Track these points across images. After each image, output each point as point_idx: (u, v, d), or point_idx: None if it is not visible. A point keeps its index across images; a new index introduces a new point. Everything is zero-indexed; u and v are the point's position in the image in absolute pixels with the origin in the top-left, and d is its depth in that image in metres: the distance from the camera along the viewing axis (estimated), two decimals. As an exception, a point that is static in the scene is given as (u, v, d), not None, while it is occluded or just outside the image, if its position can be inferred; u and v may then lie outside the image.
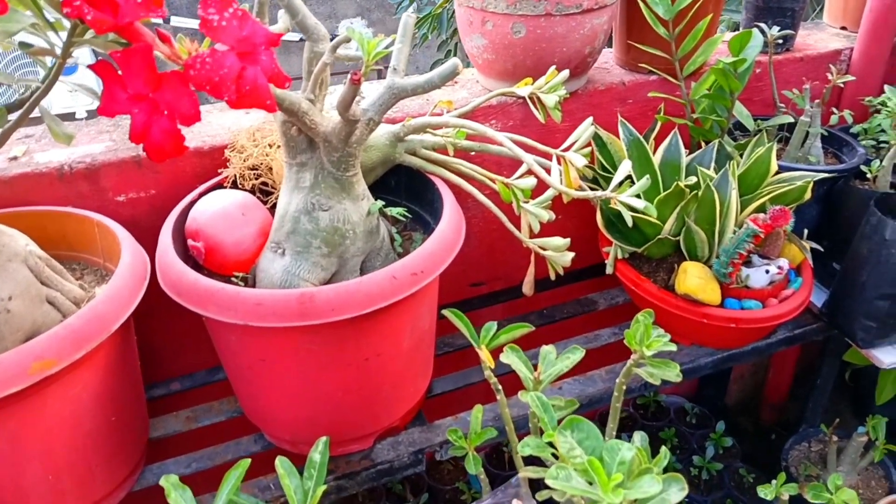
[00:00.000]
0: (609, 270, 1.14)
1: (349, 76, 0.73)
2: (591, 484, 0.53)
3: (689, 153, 1.17)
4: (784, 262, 1.05)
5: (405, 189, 1.05)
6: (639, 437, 0.71)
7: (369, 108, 0.83)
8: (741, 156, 1.16)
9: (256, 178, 1.00)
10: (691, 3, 1.12)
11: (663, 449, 0.66)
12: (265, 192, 1.01)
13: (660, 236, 1.06)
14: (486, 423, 0.99)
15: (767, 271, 1.04)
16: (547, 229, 0.95)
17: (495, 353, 0.76)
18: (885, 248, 1.05)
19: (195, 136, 1.06)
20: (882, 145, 1.30)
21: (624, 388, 0.72)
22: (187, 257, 0.91)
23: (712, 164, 1.12)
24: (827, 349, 1.39)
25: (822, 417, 1.49)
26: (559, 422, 0.58)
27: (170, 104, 0.59)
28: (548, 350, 0.74)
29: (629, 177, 0.92)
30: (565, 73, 0.98)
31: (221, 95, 0.59)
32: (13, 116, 0.69)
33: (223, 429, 1.03)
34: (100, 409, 0.81)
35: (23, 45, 0.67)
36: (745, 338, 1.12)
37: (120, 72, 0.58)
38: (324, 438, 0.74)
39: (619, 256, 1.13)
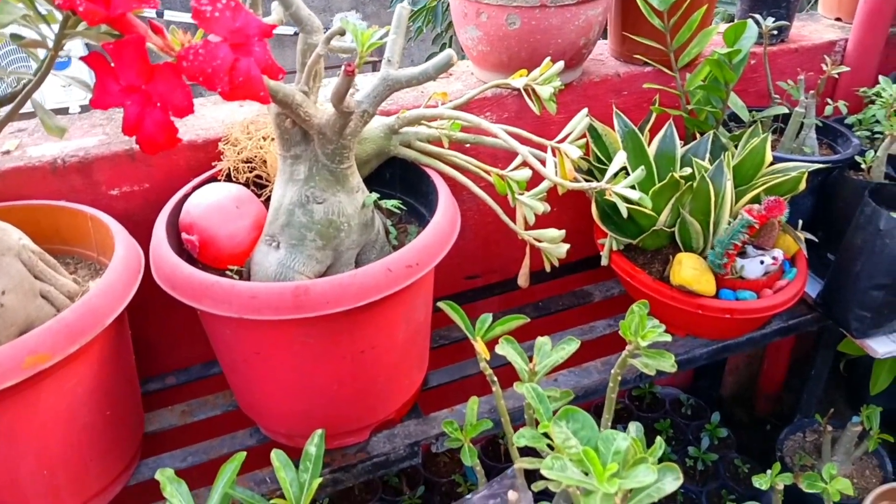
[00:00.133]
0: (604, 262, 1.15)
1: (343, 68, 0.73)
2: (586, 474, 0.53)
3: (684, 144, 1.17)
4: (779, 253, 1.06)
5: (400, 181, 1.05)
6: (634, 427, 0.71)
7: (364, 100, 0.83)
8: (736, 147, 1.16)
9: (251, 171, 0.99)
10: (686, -7, 1.12)
11: (658, 439, 0.66)
12: (259, 185, 1.00)
13: (655, 228, 1.06)
14: (482, 414, 1.00)
15: (762, 262, 1.04)
16: (542, 221, 0.95)
17: (491, 345, 0.76)
18: (880, 238, 1.05)
19: (189, 129, 1.06)
20: (876, 136, 1.30)
21: (619, 378, 0.72)
22: (181, 251, 0.90)
23: (707, 156, 1.12)
24: (821, 339, 1.40)
25: (817, 408, 1.49)
26: (554, 413, 0.59)
27: (163, 96, 0.59)
28: (543, 341, 0.74)
29: (624, 168, 0.92)
30: (560, 64, 0.98)
31: (214, 87, 0.59)
32: (5, 110, 0.68)
33: (219, 423, 1.03)
34: (95, 403, 0.81)
35: (14, 37, 0.66)
36: (740, 328, 1.12)
37: (112, 64, 0.58)
38: (319, 431, 0.74)
39: (614, 248, 1.13)
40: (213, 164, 1.01)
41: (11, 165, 0.96)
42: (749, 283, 1.05)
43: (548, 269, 1.00)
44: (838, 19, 1.56)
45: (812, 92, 1.24)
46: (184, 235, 0.91)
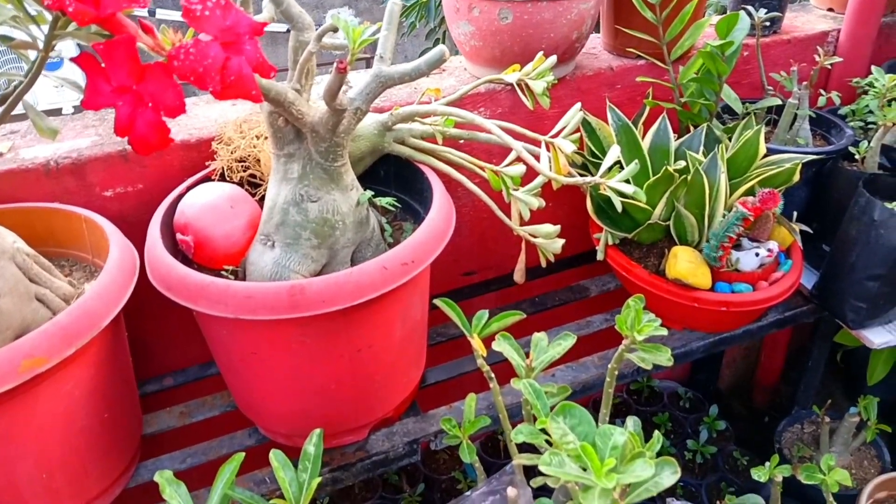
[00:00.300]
0: (600, 257, 1.15)
1: (335, 65, 0.72)
2: (584, 469, 0.53)
3: (678, 137, 1.17)
4: (774, 245, 1.06)
5: (394, 178, 1.05)
6: (631, 421, 0.71)
7: (356, 97, 0.83)
8: (730, 139, 1.16)
9: (244, 171, 0.99)
10: (678, -14, 1.12)
11: (656, 433, 0.66)
12: (253, 185, 1.00)
13: (650, 221, 1.07)
14: (480, 411, 1.00)
15: (757, 254, 1.04)
16: (537, 216, 0.95)
17: (488, 341, 0.76)
18: (874, 229, 1.05)
19: (182, 129, 1.05)
20: (870, 126, 1.30)
21: (616, 373, 0.72)
22: (176, 251, 0.90)
23: (701, 148, 1.12)
24: (818, 331, 1.40)
25: (815, 399, 1.50)
26: (552, 408, 0.59)
27: (154, 96, 0.59)
28: (539, 337, 0.74)
29: (618, 162, 0.92)
30: (553, 59, 0.98)
31: (206, 86, 0.58)
32: (-4, 112, 0.68)
33: (217, 423, 1.03)
34: (92, 406, 0.81)
35: (3, 38, 0.66)
36: (736, 321, 1.12)
37: (103, 64, 0.57)
38: (318, 430, 0.74)
39: (610, 242, 1.13)
40: (207, 163, 1.01)
41: (4, 168, 0.96)
42: (745, 275, 1.05)
43: (544, 264, 1.00)
44: (831, 9, 1.56)
45: (805, 83, 1.24)
46: (178, 236, 0.91)
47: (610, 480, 0.51)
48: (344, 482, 0.96)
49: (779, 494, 1.05)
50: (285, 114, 0.80)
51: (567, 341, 0.73)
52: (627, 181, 0.87)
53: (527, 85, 0.97)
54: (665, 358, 0.70)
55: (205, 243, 0.89)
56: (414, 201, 1.02)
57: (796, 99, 1.22)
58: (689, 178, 1.04)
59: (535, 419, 0.63)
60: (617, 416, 1.68)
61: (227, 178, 0.98)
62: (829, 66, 1.36)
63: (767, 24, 1.34)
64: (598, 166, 0.89)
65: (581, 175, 0.91)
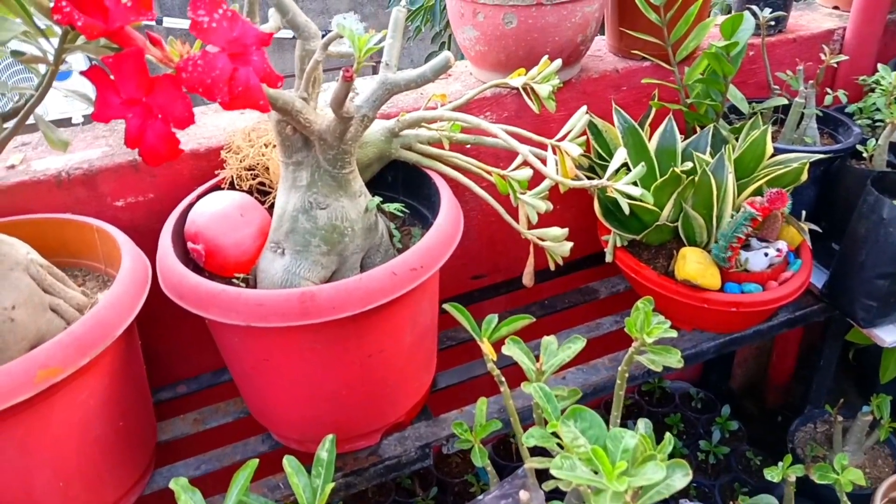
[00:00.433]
0: (608, 259, 1.15)
1: (342, 73, 0.73)
2: (595, 473, 0.53)
3: (685, 138, 1.17)
4: (783, 245, 1.06)
5: (402, 184, 1.05)
6: (643, 424, 0.71)
7: (363, 104, 0.83)
8: (737, 139, 1.16)
9: (253, 179, 1.00)
10: (682, -13, 1.12)
11: (668, 435, 0.66)
12: (263, 192, 1.01)
13: (658, 223, 1.07)
14: (492, 415, 1.00)
15: (766, 254, 1.04)
16: (545, 220, 0.95)
17: (498, 344, 0.76)
18: (883, 227, 1.05)
19: (191, 139, 1.06)
20: (877, 124, 1.30)
21: (626, 375, 0.73)
22: (188, 260, 0.91)
23: (708, 149, 1.12)
24: (829, 330, 1.40)
25: (827, 398, 1.49)
26: (563, 412, 0.59)
27: (163, 108, 0.59)
28: (549, 341, 0.74)
29: (625, 164, 0.92)
30: (558, 62, 0.98)
31: (214, 97, 0.59)
32: (9, 125, 0.69)
33: (231, 430, 1.03)
34: (107, 414, 0.82)
35: (15, 53, 0.67)
36: (747, 321, 1.12)
37: (112, 77, 0.58)
38: (330, 436, 0.75)
39: (618, 244, 1.13)
40: (216, 172, 1.02)
41: (17, 180, 0.97)
42: (754, 275, 1.05)
43: (552, 267, 1.00)
44: (836, 8, 1.55)
45: (811, 82, 1.24)
46: (189, 245, 0.92)
47: (621, 483, 0.51)
48: (357, 487, 0.96)
49: (792, 494, 1.05)
50: (293, 122, 0.81)
51: (577, 344, 0.74)
52: (635, 183, 0.87)
53: (532, 89, 0.98)
54: (675, 360, 0.70)
55: (216, 252, 0.90)
56: (422, 206, 1.03)
57: (803, 98, 1.22)
58: (696, 179, 1.04)
59: (546, 423, 0.63)
60: (629, 418, 1.68)
61: (237, 187, 0.99)
62: (836, 65, 1.36)
63: (772, 23, 1.34)
64: (605, 169, 0.89)
65: (588, 178, 0.91)
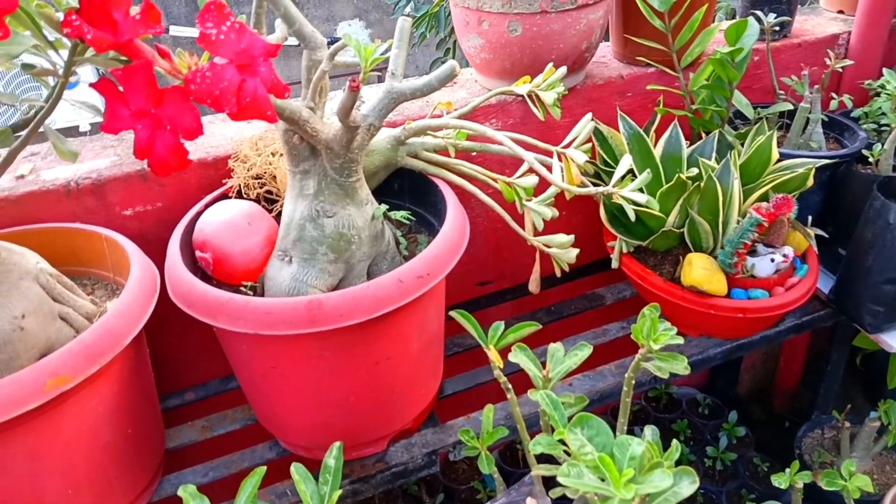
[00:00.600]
0: (615, 265, 1.15)
1: (348, 83, 0.73)
2: (602, 480, 0.53)
3: (690, 144, 1.17)
4: (789, 250, 1.06)
5: (408, 192, 1.05)
6: (650, 431, 0.71)
7: (369, 113, 0.84)
8: (742, 145, 1.16)
9: (261, 187, 1.00)
10: (686, -6, 1.13)
11: (675, 442, 0.66)
12: (270, 201, 1.01)
13: (664, 229, 1.07)
14: (498, 421, 1.00)
15: (773, 260, 1.04)
16: (551, 226, 0.95)
17: (504, 351, 0.76)
18: (890, 231, 1.05)
19: (199, 148, 1.07)
20: (883, 128, 1.30)
21: (633, 382, 0.73)
22: (196, 268, 0.91)
23: (713, 155, 1.13)
24: (836, 335, 1.39)
25: (835, 404, 1.48)
26: (570, 419, 0.59)
27: (172, 119, 0.60)
28: (556, 348, 0.75)
29: (631, 171, 0.92)
30: (563, 69, 0.99)
31: (222, 108, 0.60)
32: (19, 136, 0.70)
33: (238, 437, 1.04)
34: (116, 422, 0.82)
35: (26, 66, 0.68)
36: (753, 327, 1.12)
37: (122, 89, 0.59)
38: (338, 443, 0.75)
39: (625, 250, 1.13)
40: (224, 181, 1.03)
41: (26, 190, 0.98)
42: (760, 281, 1.05)
43: (558, 273, 1.01)
44: (841, 12, 1.55)
45: (817, 87, 1.24)
46: (198, 253, 0.92)
47: (629, 491, 0.51)
48: (364, 494, 0.97)
49: (800, 501, 1.05)
50: (300, 131, 0.81)
51: (583, 351, 0.74)
52: (640, 190, 0.87)
53: (537, 96, 0.98)
54: (682, 366, 0.70)
55: (223, 260, 0.90)
56: (428, 214, 1.03)
57: (808, 103, 1.22)
58: (702, 184, 1.04)
59: (553, 430, 0.63)
60: (635, 424, 1.68)
61: (244, 196, 1.00)
62: (841, 69, 1.36)
63: (777, 28, 1.35)
64: (610, 175, 0.89)
65: (594, 184, 0.91)
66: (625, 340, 1.12)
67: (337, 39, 0.76)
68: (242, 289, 0.91)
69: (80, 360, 0.74)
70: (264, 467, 0.71)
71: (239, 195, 1.00)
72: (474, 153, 1.05)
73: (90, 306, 0.87)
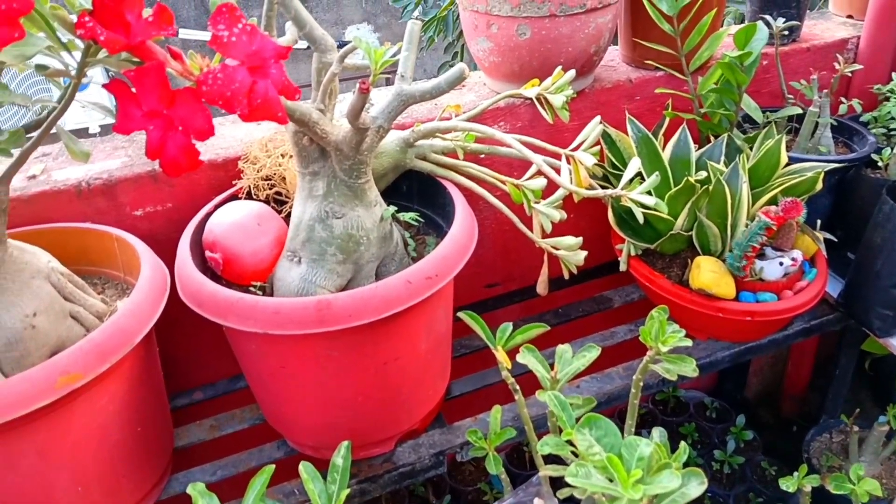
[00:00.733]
0: (623, 267, 1.15)
1: (358, 86, 0.74)
2: (610, 481, 0.53)
3: (699, 148, 1.17)
4: (798, 254, 1.05)
5: (417, 194, 1.06)
6: (657, 432, 0.71)
7: (378, 115, 0.84)
8: (751, 149, 1.16)
9: (270, 188, 1.01)
10: (695, -2, 1.13)
11: (682, 444, 0.66)
12: (279, 202, 1.02)
13: (672, 232, 1.07)
14: (506, 423, 1.00)
15: (781, 263, 1.04)
16: (559, 229, 0.96)
17: (512, 353, 0.76)
18: (899, 235, 1.05)
19: (209, 149, 1.07)
20: (892, 133, 1.29)
21: (641, 384, 0.73)
22: (205, 268, 0.92)
23: (722, 158, 1.13)
24: (845, 339, 1.39)
25: (843, 408, 1.48)
26: (577, 420, 0.59)
27: (184, 120, 0.61)
28: (564, 349, 0.75)
29: (639, 174, 0.92)
30: (571, 72, 0.99)
31: (234, 109, 0.60)
32: (32, 136, 0.70)
33: (246, 436, 1.04)
34: (125, 420, 0.83)
35: (39, 67, 0.68)
36: (762, 331, 1.12)
37: (134, 90, 0.59)
38: (346, 443, 0.75)
39: (633, 253, 1.13)
40: (234, 182, 1.03)
41: (38, 190, 0.99)
42: (769, 284, 1.05)
43: (566, 276, 1.01)
44: (850, 17, 1.55)
45: (826, 91, 1.24)
46: (207, 253, 0.93)
47: (637, 491, 0.52)
48: (371, 494, 0.97)
49: (808, 505, 1.04)
50: (310, 133, 0.82)
51: (591, 353, 0.74)
52: (649, 192, 0.87)
53: (546, 99, 0.99)
54: (690, 369, 0.70)
55: (233, 260, 0.91)
56: (436, 216, 1.04)
57: (817, 107, 1.22)
58: (710, 188, 1.04)
59: (560, 430, 0.63)
60: (643, 427, 1.67)
61: (254, 196, 1.00)
62: (850, 74, 1.36)
63: (786, 32, 1.34)
64: (618, 178, 0.89)
65: (602, 187, 0.91)
66: (632, 343, 1.12)
67: (346, 43, 0.77)
68: (252, 289, 0.91)
69: (90, 358, 0.74)
70: (273, 465, 0.72)
71: (249, 196, 1.01)
72: (482, 155, 1.06)
73: (101, 305, 0.87)
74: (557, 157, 0.93)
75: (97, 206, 1.02)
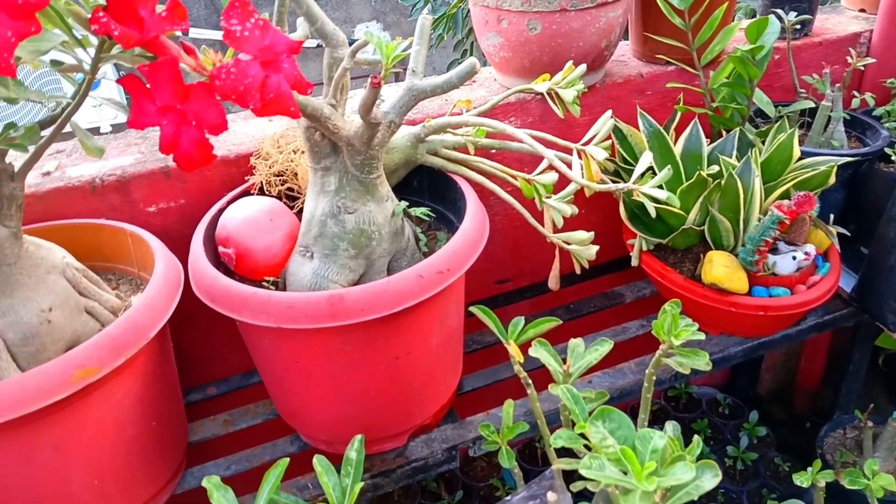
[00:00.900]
0: (634, 263, 1.15)
1: (369, 80, 0.74)
2: (624, 473, 0.53)
3: (710, 142, 1.16)
4: (811, 248, 1.05)
5: (428, 189, 1.06)
6: (671, 426, 0.71)
7: (390, 110, 0.84)
8: (763, 143, 1.16)
9: (282, 184, 1.01)
10: (707, -9, 1.12)
11: (696, 437, 0.66)
12: (291, 198, 1.02)
13: (684, 226, 1.06)
14: (518, 417, 1.00)
15: (794, 258, 1.04)
16: (570, 223, 0.96)
17: (524, 348, 0.77)
18: (914, 229, 1.04)
19: (221, 146, 1.08)
20: (906, 127, 1.29)
21: (654, 378, 0.73)
22: (219, 264, 0.92)
23: (734, 153, 1.12)
24: (858, 334, 1.38)
25: (857, 403, 1.47)
26: (590, 413, 0.59)
27: (197, 115, 0.61)
28: (576, 343, 0.75)
29: (651, 168, 0.92)
30: (582, 67, 0.99)
31: (247, 104, 0.60)
32: (46, 132, 0.71)
33: (260, 431, 1.05)
34: (140, 414, 0.83)
35: (54, 62, 0.69)
36: (775, 325, 1.11)
37: (148, 85, 0.60)
38: (359, 436, 0.75)
39: (644, 248, 1.13)
40: (246, 178, 1.04)
41: (52, 186, 1.00)
42: (782, 279, 1.04)
43: (578, 271, 1.01)
44: (862, 10, 1.54)
45: (838, 85, 1.23)
46: (220, 249, 0.93)
47: (651, 483, 0.52)
48: (384, 488, 0.97)
49: (822, 500, 1.04)
50: (322, 128, 0.82)
51: (604, 346, 0.74)
52: (660, 187, 0.87)
53: (557, 94, 0.98)
54: (703, 362, 0.70)
55: (246, 255, 0.91)
56: (448, 211, 1.04)
57: (830, 101, 1.21)
58: (722, 182, 1.04)
59: (573, 424, 0.63)
60: (655, 423, 1.67)
61: (266, 192, 1.01)
62: (863, 68, 1.35)
63: (798, 26, 1.34)
64: (630, 173, 0.89)
65: (613, 181, 0.91)
66: (644, 338, 1.12)
67: (355, 41, 0.77)
68: (264, 284, 0.92)
69: (106, 352, 0.75)
70: (287, 459, 0.72)
71: (261, 192, 1.01)
72: (493, 151, 1.06)
73: (115, 300, 0.88)
74: (568, 151, 0.93)
75: (111, 202, 1.02)
